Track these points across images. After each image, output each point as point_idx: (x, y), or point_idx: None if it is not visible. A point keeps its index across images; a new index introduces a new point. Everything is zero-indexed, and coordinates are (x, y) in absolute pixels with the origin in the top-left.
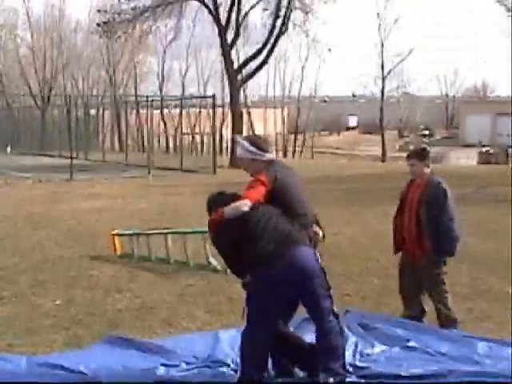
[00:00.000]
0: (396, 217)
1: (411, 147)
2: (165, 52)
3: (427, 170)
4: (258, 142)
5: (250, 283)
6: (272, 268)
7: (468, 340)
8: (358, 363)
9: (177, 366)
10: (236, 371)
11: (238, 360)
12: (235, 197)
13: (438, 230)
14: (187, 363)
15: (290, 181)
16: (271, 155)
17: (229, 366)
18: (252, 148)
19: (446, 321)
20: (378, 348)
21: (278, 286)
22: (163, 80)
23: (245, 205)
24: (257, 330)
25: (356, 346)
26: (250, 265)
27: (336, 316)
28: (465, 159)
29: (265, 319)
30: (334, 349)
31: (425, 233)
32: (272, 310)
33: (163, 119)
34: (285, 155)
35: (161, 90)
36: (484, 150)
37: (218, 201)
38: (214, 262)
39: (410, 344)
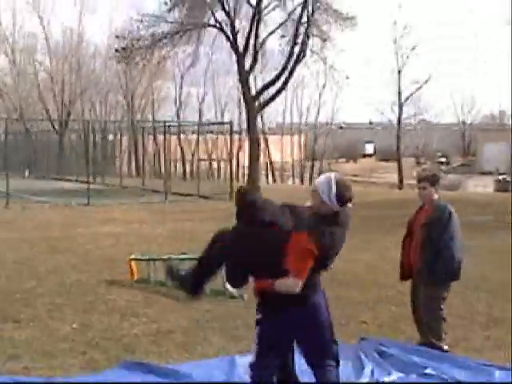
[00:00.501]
0: (404, 242)
1: (422, 172)
2: (182, 78)
3: (436, 196)
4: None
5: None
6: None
7: (485, 368)
8: None
9: None
10: None
11: None
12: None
13: (438, 250)
14: None
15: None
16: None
17: None
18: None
19: (434, 337)
20: (395, 375)
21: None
22: (180, 106)
23: (296, 286)
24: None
25: (372, 373)
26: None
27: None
28: (481, 187)
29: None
30: None
31: (426, 253)
32: (277, 350)
33: (180, 145)
34: (302, 182)
35: (178, 116)
36: (501, 177)
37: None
38: (230, 288)
39: (427, 371)
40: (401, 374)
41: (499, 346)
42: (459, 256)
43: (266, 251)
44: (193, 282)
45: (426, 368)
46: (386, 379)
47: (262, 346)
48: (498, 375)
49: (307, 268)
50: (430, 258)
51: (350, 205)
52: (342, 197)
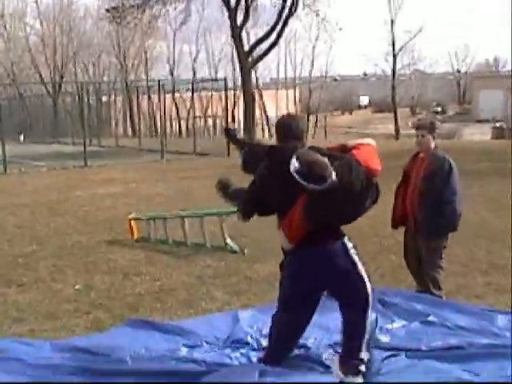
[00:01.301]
0: (398, 190)
1: (419, 120)
2: (175, 36)
3: (433, 144)
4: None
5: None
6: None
7: (487, 313)
8: (378, 337)
9: (198, 346)
10: (256, 350)
11: (260, 339)
12: None
13: (440, 203)
14: (208, 343)
15: None
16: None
17: (249, 344)
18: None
19: (434, 285)
20: (398, 323)
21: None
22: (174, 64)
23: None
24: (282, 311)
25: (376, 321)
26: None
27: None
28: (478, 135)
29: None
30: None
31: (426, 206)
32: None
33: (175, 103)
34: None
35: (172, 74)
36: (498, 124)
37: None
38: (231, 243)
39: (430, 319)
40: (404, 322)
41: (500, 292)
42: (460, 209)
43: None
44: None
45: (428, 315)
46: (390, 326)
47: (287, 295)
48: (499, 320)
49: None
50: (430, 211)
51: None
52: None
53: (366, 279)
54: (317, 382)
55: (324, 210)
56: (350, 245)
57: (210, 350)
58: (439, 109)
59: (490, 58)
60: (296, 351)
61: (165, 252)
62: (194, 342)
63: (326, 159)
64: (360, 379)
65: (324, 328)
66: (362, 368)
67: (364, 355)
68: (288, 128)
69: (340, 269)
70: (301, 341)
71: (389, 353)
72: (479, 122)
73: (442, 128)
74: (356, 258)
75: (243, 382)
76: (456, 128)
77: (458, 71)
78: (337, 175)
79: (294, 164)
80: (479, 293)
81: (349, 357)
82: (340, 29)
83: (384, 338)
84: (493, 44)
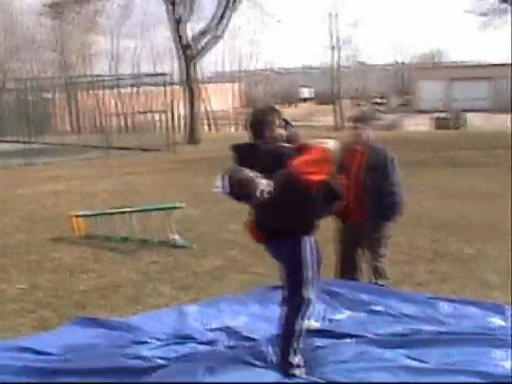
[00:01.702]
0: None
1: (355, 113)
2: (116, 31)
3: (369, 135)
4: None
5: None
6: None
7: (431, 301)
8: (324, 328)
9: (146, 342)
10: (203, 344)
11: (207, 333)
12: None
13: (381, 195)
14: (156, 339)
15: None
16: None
17: (196, 339)
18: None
19: (379, 276)
20: (344, 314)
21: None
22: (116, 59)
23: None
24: None
25: (323, 312)
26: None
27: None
28: (420, 125)
29: None
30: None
31: (368, 198)
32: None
33: (117, 99)
34: (242, 129)
35: (114, 70)
36: (440, 115)
37: None
38: (177, 237)
39: (375, 308)
40: (349, 312)
41: (443, 280)
42: (402, 199)
43: None
44: None
45: (373, 304)
46: (335, 317)
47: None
48: (443, 307)
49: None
50: (373, 202)
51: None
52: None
53: (308, 282)
54: (258, 382)
55: (265, 219)
56: (305, 244)
57: (157, 346)
58: (381, 100)
59: (430, 49)
60: (244, 343)
61: (111, 249)
62: (142, 339)
63: (252, 175)
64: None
65: (271, 320)
66: (296, 372)
67: (293, 359)
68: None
69: (284, 264)
70: (247, 333)
71: (335, 341)
72: (420, 112)
73: (385, 119)
74: (304, 257)
75: (188, 382)
76: (398, 119)
77: (400, 63)
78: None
79: (223, 185)
80: (423, 281)
81: (281, 359)
82: (279, 21)
83: (330, 328)
84: (433, 36)
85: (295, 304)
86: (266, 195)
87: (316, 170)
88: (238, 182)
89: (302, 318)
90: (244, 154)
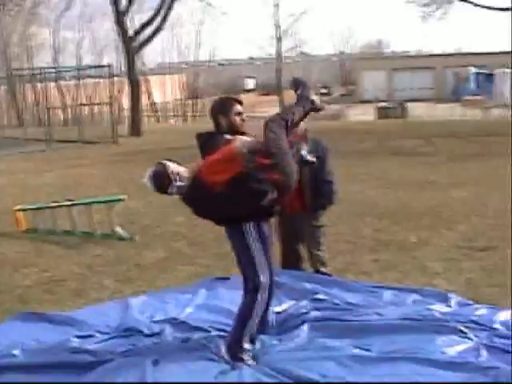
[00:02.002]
0: None
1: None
2: (58, 22)
3: (304, 127)
4: None
5: None
6: None
7: (374, 289)
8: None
9: (90, 336)
10: (148, 336)
11: (152, 325)
12: None
13: (318, 184)
14: (100, 333)
15: None
16: None
17: (141, 332)
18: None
19: (321, 264)
20: (287, 303)
21: None
22: (57, 51)
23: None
24: None
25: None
26: None
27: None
28: (363, 115)
29: None
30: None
31: (305, 188)
32: None
33: (60, 91)
34: (185, 121)
35: (56, 62)
36: (381, 105)
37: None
38: (120, 230)
39: (318, 296)
40: (292, 302)
41: (387, 268)
42: (337, 188)
43: None
44: None
45: (317, 293)
46: (278, 309)
47: None
48: (386, 296)
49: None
50: (311, 192)
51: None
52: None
53: (258, 266)
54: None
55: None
56: (248, 230)
57: (102, 340)
58: (325, 90)
59: (372, 40)
60: (190, 334)
61: (54, 242)
62: (86, 332)
63: (170, 170)
64: (249, 362)
65: (217, 310)
66: (245, 357)
67: (243, 343)
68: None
69: (234, 249)
70: (193, 324)
71: (280, 330)
72: (363, 102)
73: (328, 109)
74: (249, 242)
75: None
76: (341, 109)
77: (342, 53)
78: None
79: (148, 176)
80: (366, 270)
81: (233, 341)
82: (224, 13)
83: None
84: (375, 27)
85: (249, 288)
86: (174, 191)
87: (221, 170)
88: (156, 175)
89: (257, 302)
90: (204, 143)
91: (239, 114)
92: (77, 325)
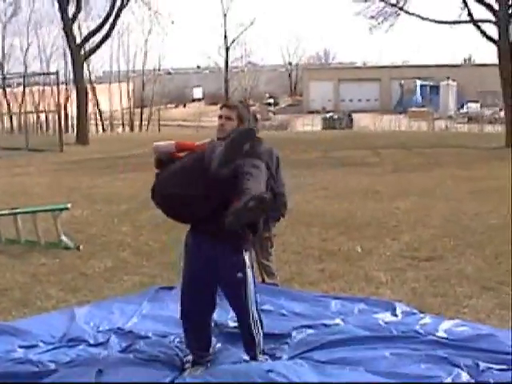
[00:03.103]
0: None
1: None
2: (5, 28)
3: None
4: None
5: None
6: None
7: (321, 299)
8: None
9: (34, 346)
10: (93, 346)
11: (97, 335)
12: None
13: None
14: (45, 343)
15: None
16: None
17: (86, 342)
18: None
19: (268, 274)
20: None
21: None
22: (4, 57)
23: None
24: None
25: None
26: None
27: None
28: (309, 126)
29: None
30: None
31: None
32: None
33: (6, 98)
34: (132, 129)
35: (2, 68)
36: (328, 115)
37: None
38: (65, 239)
39: (265, 307)
40: None
41: (333, 278)
42: (286, 199)
43: None
44: None
45: (263, 304)
46: (229, 317)
47: None
48: (333, 305)
49: None
50: None
51: None
52: None
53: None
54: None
55: None
56: None
57: (46, 350)
58: (272, 100)
59: (319, 51)
60: (136, 344)
61: None
62: (30, 342)
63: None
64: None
65: (162, 320)
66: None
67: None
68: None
69: None
70: (139, 334)
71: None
72: (311, 113)
73: (275, 119)
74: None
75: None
76: (288, 119)
77: (290, 63)
78: None
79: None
80: (313, 280)
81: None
82: (172, 22)
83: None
84: (322, 38)
85: None
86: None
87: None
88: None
89: None
90: None
91: (219, 117)
92: (21, 335)
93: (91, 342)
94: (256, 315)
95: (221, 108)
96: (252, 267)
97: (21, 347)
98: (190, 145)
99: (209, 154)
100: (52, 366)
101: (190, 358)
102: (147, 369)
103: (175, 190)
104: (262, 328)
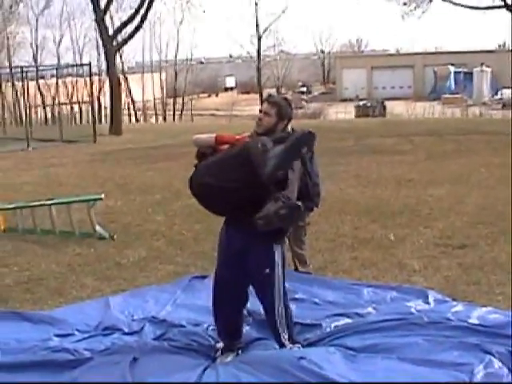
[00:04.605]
0: None
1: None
2: (37, 21)
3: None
4: None
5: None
6: None
7: (354, 287)
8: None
9: (70, 335)
10: (128, 334)
11: (132, 323)
12: None
13: (304, 186)
14: (80, 331)
15: None
16: None
17: (121, 330)
18: None
19: (301, 262)
20: None
21: None
22: (37, 50)
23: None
24: None
25: None
26: None
27: None
28: (343, 113)
29: None
30: None
31: None
32: None
33: (39, 90)
34: (165, 119)
35: (35, 61)
36: (361, 103)
37: None
38: (99, 229)
39: (298, 296)
40: None
41: (366, 266)
42: (321, 189)
43: None
44: None
45: (296, 293)
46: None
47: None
48: (365, 293)
49: None
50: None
51: None
52: None
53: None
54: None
55: None
56: None
57: (82, 338)
58: (304, 89)
59: (352, 38)
60: (170, 333)
61: (33, 241)
62: (65, 331)
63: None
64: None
65: (196, 309)
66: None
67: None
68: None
69: None
70: (173, 323)
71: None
72: (343, 100)
73: (308, 108)
74: None
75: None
76: (321, 107)
77: (322, 51)
78: None
79: None
80: (346, 268)
81: None
82: (204, 11)
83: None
84: (355, 25)
85: None
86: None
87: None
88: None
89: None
90: None
91: (259, 112)
92: (56, 324)
93: (126, 330)
94: (283, 312)
95: (262, 102)
96: (283, 262)
97: (57, 336)
98: (231, 138)
99: (257, 155)
100: (87, 354)
101: (221, 345)
102: (181, 357)
103: (210, 180)
104: (291, 322)
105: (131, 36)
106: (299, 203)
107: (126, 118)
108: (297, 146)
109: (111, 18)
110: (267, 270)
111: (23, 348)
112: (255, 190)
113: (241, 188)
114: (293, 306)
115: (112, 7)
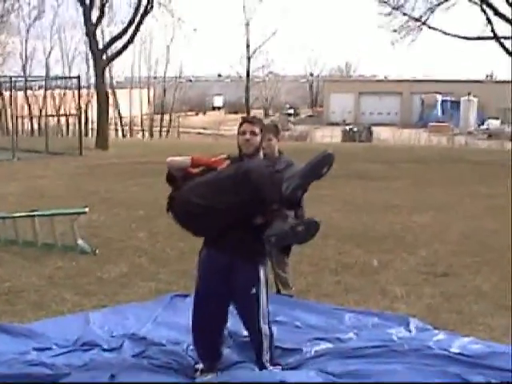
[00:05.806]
0: None
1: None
2: (28, 32)
3: (277, 147)
4: None
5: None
6: None
7: (336, 311)
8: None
9: (48, 349)
10: (107, 350)
11: (111, 340)
12: None
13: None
14: (59, 346)
15: None
16: None
17: (100, 346)
18: None
19: (283, 285)
20: None
21: None
22: (26, 60)
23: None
24: None
25: None
26: None
27: None
28: (329, 137)
29: None
30: None
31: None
32: None
33: (27, 100)
34: (151, 136)
35: (24, 71)
36: (348, 128)
37: None
38: (81, 243)
39: (279, 318)
40: None
41: (349, 291)
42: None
43: None
44: None
45: (278, 315)
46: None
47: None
48: (347, 318)
49: None
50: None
51: None
52: None
53: None
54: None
55: None
56: None
57: (59, 353)
58: (292, 111)
59: (341, 63)
60: (149, 350)
61: (14, 253)
62: (44, 345)
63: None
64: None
65: (176, 327)
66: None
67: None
68: None
69: None
70: (152, 340)
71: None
72: (330, 124)
73: (295, 130)
74: None
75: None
76: (308, 130)
77: (311, 74)
78: None
79: None
80: (329, 292)
81: None
82: (195, 29)
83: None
84: (344, 50)
85: None
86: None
87: None
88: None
89: None
90: None
91: (243, 133)
92: (35, 337)
93: (105, 346)
94: (267, 332)
95: (241, 124)
96: (266, 282)
97: (35, 349)
98: (207, 160)
99: (262, 177)
100: (65, 370)
101: (200, 365)
102: (159, 375)
103: (199, 200)
104: (272, 343)
105: (121, 51)
106: (317, 219)
107: (112, 133)
108: (319, 167)
109: (102, 32)
110: (253, 290)
111: (1, 361)
112: (247, 211)
113: (232, 209)
114: (274, 329)
115: (103, 21)
